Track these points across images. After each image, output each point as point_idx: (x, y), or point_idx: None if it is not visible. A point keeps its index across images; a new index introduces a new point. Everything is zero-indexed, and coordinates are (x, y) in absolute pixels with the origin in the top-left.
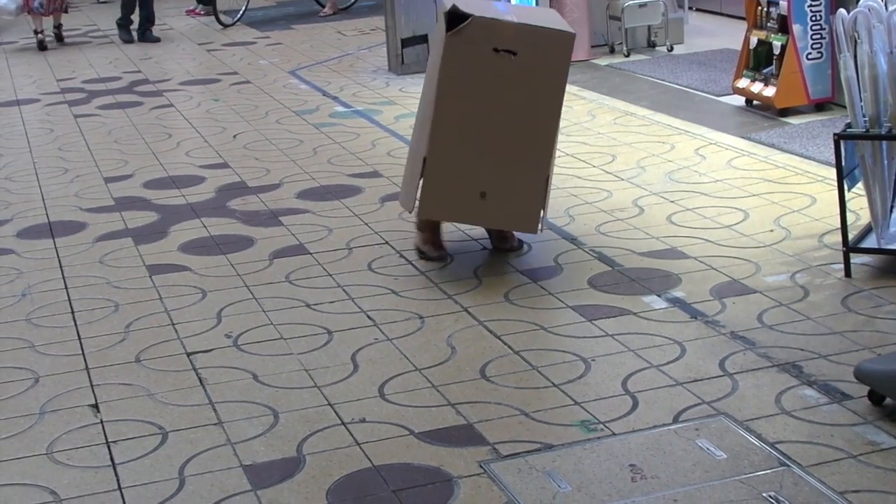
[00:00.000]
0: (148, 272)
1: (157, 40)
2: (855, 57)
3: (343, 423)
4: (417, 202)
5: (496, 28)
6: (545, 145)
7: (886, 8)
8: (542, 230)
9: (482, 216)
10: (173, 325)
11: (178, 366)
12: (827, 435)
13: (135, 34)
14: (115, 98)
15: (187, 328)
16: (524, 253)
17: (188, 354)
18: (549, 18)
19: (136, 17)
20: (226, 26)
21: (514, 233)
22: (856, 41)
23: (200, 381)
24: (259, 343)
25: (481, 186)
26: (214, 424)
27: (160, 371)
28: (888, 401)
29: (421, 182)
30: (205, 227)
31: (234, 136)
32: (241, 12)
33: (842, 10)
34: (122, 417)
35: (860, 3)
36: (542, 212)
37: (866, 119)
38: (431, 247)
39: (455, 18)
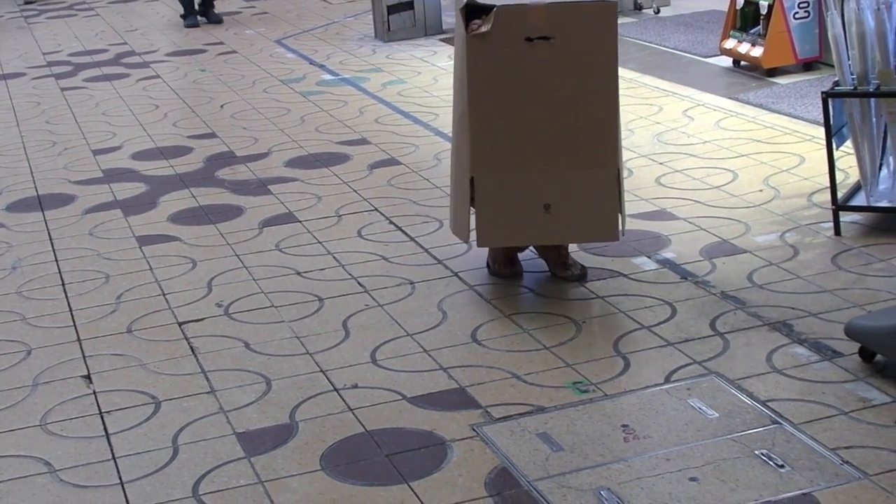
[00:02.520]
0: (138, 243)
1: (221, 21)
2: (842, 14)
3: (335, 389)
4: (473, 230)
5: (523, 14)
6: (608, 135)
7: None
8: (623, 234)
9: (551, 232)
10: (164, 295)
11: (170, 335)
12: (818, 392)
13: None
14: (101, 70)
15: (178, 298)
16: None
17: (179, 324)
18: None
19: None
20: None
21: (575, 259)
22: None
23: (192, 350)
24: (250, 311)
25: (544, 198)
26: (207, 393)
27: (152, 341)
28: (879, 357)
29: (473, 207)
30: (194, 197)
31: (222, 107)
32: None
33: None
34: (114, 388)
35: None
36: (620, 214)
37: (854, 77)
38: (503, 263)
39: (473, 12)
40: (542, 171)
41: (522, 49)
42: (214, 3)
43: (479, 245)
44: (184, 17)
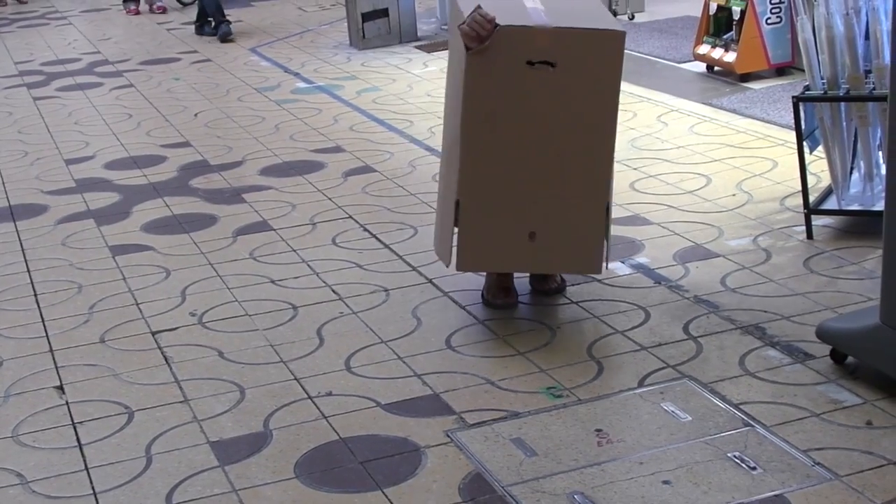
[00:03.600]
0: (111, 253)
1: (230, 34)
2: (812, 19)
3: (309, 397)
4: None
5: (528, 36)
6: (601, 168)
7: None
8: (606, 268)
9: (533, 261)
10: (137, 304)
11: (143, 345)
12: (790, 395)
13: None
14: (74, 79)
15: (152, 307)
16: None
17: (153, 333)
18: (589, 9)
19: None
20: (185, 5)
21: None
22: (812, 4)
23: (166, 359)
24: (224, 320)
25: (529, 226)
26: (180, 402)
27: (125, 351)
28: (850, 359)
29: (456, 230)
30: (167, 206)
31: (196, 115)
32: None
33: None
34: (87, 398)
35: None
36: (604, 246)
37: (824, 81)
38: (498, 292)
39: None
40: (531, 199)
41: (523, 72)
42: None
43: (458, 269)
44: (214, 29)
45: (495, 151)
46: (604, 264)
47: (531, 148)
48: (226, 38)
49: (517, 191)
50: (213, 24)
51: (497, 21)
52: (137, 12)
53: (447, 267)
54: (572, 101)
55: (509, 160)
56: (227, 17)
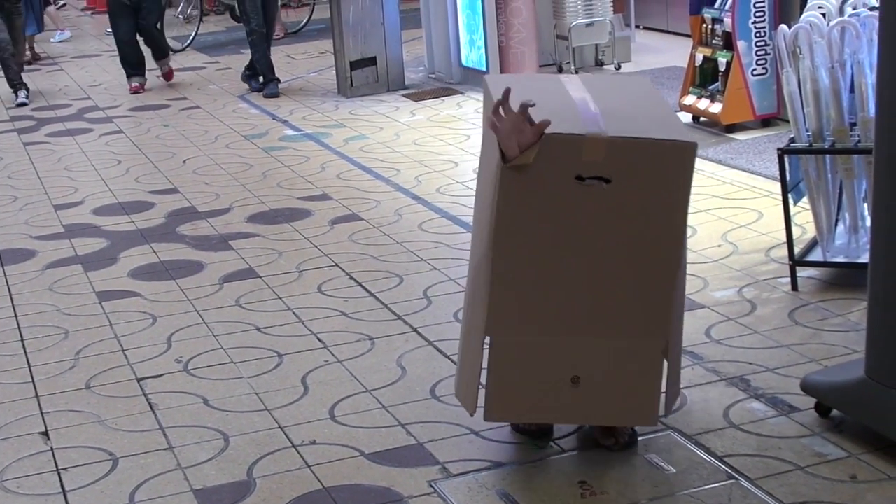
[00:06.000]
0: (98, 299)
1: (276, 95)
2: (798, 72)
3: (293, 446)
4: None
5: (579, 146)
6: (661, 302)
7: (827, 23)
8: (666, 415)
9: (576, 410)
10: (123, 351)
11: (129, 391)
12: (775, 447)
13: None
14: (64, 125)
15: (137, 354)
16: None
17: (138, 380)
18: (647, 105)
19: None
20: (175, 52)
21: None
22: (798, 56)
23: (151, 406)
24: (209, 367)
25: (572, 370)
26: (165, 449)
27: (110, 397)
28: (835, 412)
29: (485, 373)
30: (154, 252)
31: (184, 162)
32: (191, 38)
33: (783, 26)
34: (72, 444)
35: (801, 18)
36: (660, 395)
37: (809, 133)
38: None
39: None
40: (575, 338)
41: (570, 189)
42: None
43: (486, 419)
44: (263, 84)
45: (532, 281)
46: (660, 415)
47: (576, 278)
48: (271, 96)
49: (558, 328)
50: (261, 79)
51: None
52: (141, 89)
53: (471, 414)
54: (629, 224)
55: (549, 292)
56: (277, 77)
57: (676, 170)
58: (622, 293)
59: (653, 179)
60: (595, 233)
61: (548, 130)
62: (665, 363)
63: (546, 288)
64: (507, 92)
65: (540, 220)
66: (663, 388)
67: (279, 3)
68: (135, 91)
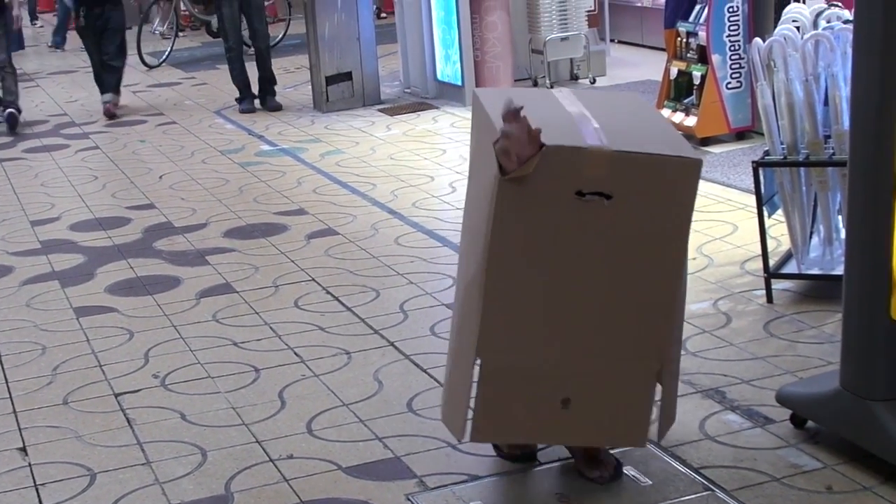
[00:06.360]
0: (75, 314)
1: (280, 108)
2: (772, 85)
3: (271, 460)
4: (470, 422)
5: (579, 160)
6: (659, 324)
7: (801, 36)
8: (659, 441)
9: (565, 432)
10: (101, 366)
11: (106, 407)
12: (751, 459)
13: (257, 102)
14: (41, 141)
15: (115, 369)
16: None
17: (116, 395)
18: (647, 121)
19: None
20: (151, 67)
21: (609, 453)
22: (772, 69)
23: (128, 421)
24: (186, 382)
25: (562, 391)
26: (142, 464)
27: (88, 413)
28: (810, 424)
29: (474, 395)
30: (131, 268)
31: (161, 177)
32: (166, 54)
33: (757, 40)
34: (50, 460)
35: (775, 31)
36: (650, 416)
37: (784, 146)
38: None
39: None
40: (567, 359)
41: (570, 206)
42: (275, 89)
43: (472, 439)
44: (239, 100)
45: (526, 301)
46: (653, 437)
47: (572, 298)
48: (247, 111)
49: (551, 349)
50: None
51: (542, 138)
52: (112, 113)
53: (459, 438)
54: (629, 243)
55: (543, 312)
56: (253, 93)
57: (680, 187)
58: (619, 314)
59: (655, 197)
60: (594, 251)
61: (548, 143)
62: (659, 387)
63: (541, 308)
64: (511, 104)
65: (537, 237)
66: (656, 412)
67: (265, 16)
68: (109, 111)
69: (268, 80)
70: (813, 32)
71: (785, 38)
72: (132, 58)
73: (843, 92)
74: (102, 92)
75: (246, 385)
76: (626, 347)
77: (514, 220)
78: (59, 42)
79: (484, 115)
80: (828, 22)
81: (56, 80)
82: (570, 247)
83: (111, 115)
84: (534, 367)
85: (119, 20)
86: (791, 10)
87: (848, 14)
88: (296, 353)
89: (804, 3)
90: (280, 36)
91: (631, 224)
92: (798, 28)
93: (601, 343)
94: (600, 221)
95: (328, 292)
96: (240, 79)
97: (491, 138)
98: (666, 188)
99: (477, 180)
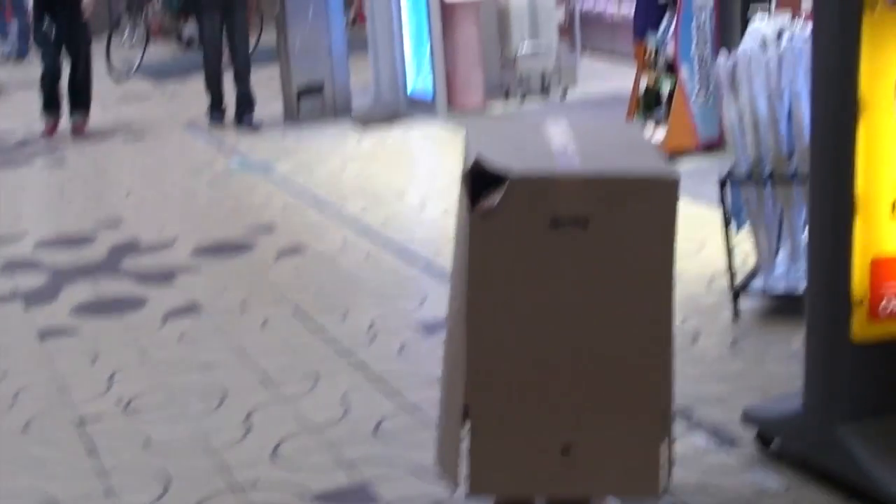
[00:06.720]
0: (38, 336)
1: (258, 128)
2: (737, 102)
3: (237, 487)
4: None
5: (550, 190)
6: (655, 359)
7: (766, 52)
8: (667, 489)
9: (569, 481)
10: (64, 390)
11: (68, 433)
12: (717, 480)
13: (233, 119)
14: (5, 157)
15: (77, 394)
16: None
17: (78, 421)
18: (631, 148)
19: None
20: (121, 79)
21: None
22: (737, 86)
23: (91, 448)
24: (151, 407)
25: (562, 437)
26: (106, 492)
27: (49, 440)
28: (776, 443)
29: (466, 443)
30: (97, 287)
31: (128, 194)
32: (136, 65)
33: (721, 56)
34: (10, 487)
35: (740, 47)
36: (660, 460)
37: (749, 162)
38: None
39: (481, 180)
40: (563, 401)
41: (546, 237)
42: (253, 107)
43: (470, 492)
44: (209, 111)
45: (513, 342)
46: (663, 485)
47: (560, 335)
48: (216, 124)
49: (545, 391)
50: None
51: (511, 166)
52: (53, 131)
53: (454, 490)
54: (612, 273)
55: (532, 352)
56: (224, 108)
57: (659, 208)
58: (611, 349)
59: (634, 220)
60: (576, 284)
61: (518, 173)
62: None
63: (528, 347)
64: (478, 160)
65: (515, 273)
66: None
67: (247, 35)
68: (48, 133)
69: (246, 100)
70: (776, 48)
71: (749, 55)
72: (102, 69)
73: (806, 108)
74: (46, 107)
75: (212, 409)
76: (624, 383)
77: (490, 256)
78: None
79: (469, 152)
80: (791, 38)
81: (22, 92)
82: (552, 279)
83: (80, 133)
84: (528, 411)
85: (85, 33)
86: (755, 26)
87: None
88: (263, 376)
89: (769, 17)
90: (251, 48)
91: (611, 251)
92: (764, 43)
93: (598, 380)
94: (579, 251)
95: (297, 311)
96: (214, 88)
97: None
98: (643, 210)
99: (460, 220)
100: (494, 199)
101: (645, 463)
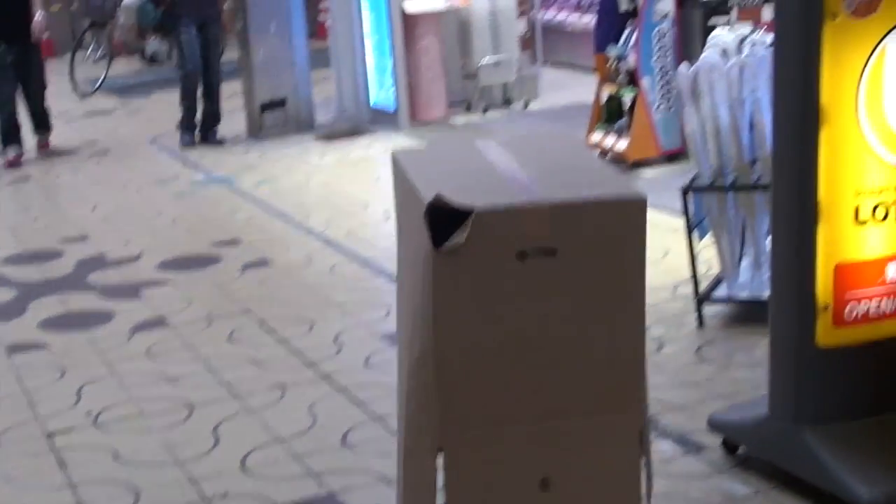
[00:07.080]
0: (6, 351)
1: (222, 143)
2: (698, 110)
3: (205, 499)
4: None
5: (515, 221)
6: (629, 381)
7: (726, 62)
8: None
9: None
10: (32, 405)
11: (37, 447)
12: (683, 487)
13: (198, 135)
14: None
15: (46, 407)
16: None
17: (47, 435)
18: (581, 165)
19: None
20: (85, 95)
21: None
22: (698, 95)
23: (60, 462)
24: (119, 420)
25: (539, 471)
26: None
27: (18, 454)
28: (742, 449)
29: (439, 489)
30: (64, 302)
31: (94, 208)
32: (100, 81)
33: (683, 66)
34: None
35: (701, 57)
36: (644, 485)
37: (711, 171)
38: None
39: (441, 217)
40: (537, 434)
41: (513, 269)
42: (219, 122)
43: None
44: (181, 128)
45: (484, 378)
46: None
47: (532, 367)
48: (188, 146)
49: (519, 426)
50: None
51: (472, 200)
52: (18, 162)
53: None
54: (582, 301)
55: (504, 386)
56: (195, 124)
57: (627, 230)
58: (585, 376)
59: (603, 244)
60: (547, 313)
61: (479, 206)
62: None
63: (500, 383)
64: (437, 198)
65: (483, 309)
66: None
67: (221, 51)
68: (11, 164)
69: (213, 116)
70: (737, 57)
71: (710, 64)
72: (66, 85)
73: (768, 117)
74: (5, 143)
75: (180, 422)
76: (601, 410)
77: (455, 294)
78: None
79: (408, 183)
80: (752, 46)
81: None
82: (520, 311)
83: (45, 149)
84: (504, 447)
85: (38, 55)
86: (716, 36)
87: (769, 39)
88: (230, 388)
89: (729, 27)
90: None
91: (580, 278)
92: (724, 52)
93: (574, 409)
94: (548, 281)
95: (262, 324)
96: (191, 103)
97: (418, 209)
98: (611, 233)
99: (406, 252)
100: (460, 236)
101: (625, 486)
